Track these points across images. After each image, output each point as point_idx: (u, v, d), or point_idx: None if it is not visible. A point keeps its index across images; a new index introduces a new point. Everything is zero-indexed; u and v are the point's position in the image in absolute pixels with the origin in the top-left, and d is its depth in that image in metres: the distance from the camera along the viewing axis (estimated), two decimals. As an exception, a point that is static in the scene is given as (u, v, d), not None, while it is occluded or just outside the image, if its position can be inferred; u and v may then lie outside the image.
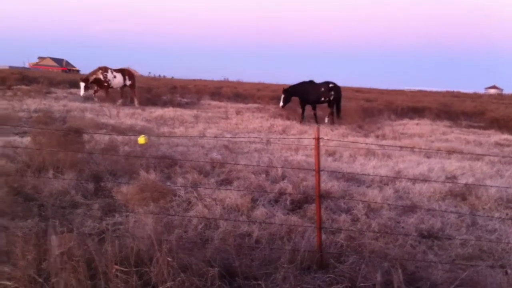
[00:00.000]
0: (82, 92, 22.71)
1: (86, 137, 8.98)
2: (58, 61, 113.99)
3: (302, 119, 19.65)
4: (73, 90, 26.93)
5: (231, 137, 12.63)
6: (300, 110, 20.24)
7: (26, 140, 9.96)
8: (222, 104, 26.31)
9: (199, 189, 7.18)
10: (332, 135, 15.73)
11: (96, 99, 22.91)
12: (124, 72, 24.02)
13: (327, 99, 20.22)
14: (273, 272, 4.49)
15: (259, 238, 5.61)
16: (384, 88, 66.33)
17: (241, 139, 11.67)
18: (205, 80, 59.73)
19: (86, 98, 22.65)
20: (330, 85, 20.38)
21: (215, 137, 12.73)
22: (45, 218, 5.95)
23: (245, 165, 8.65)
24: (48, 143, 7.53)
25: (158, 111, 19.42)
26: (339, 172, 8.80)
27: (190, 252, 4.73)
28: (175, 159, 8.69)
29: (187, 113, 19.54)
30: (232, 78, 75.86)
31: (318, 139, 5.00)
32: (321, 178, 8.43)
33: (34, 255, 4.17)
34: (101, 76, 22.95)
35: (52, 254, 4.14)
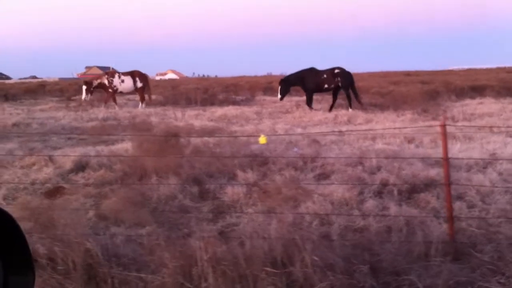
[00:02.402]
0: (83, 96, 21.84)
1: (182, 141, 9.05)
2: (105, 69, 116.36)
3: (311, 108, 19.13)
4: (130, 97, 27.43)
5: (311, 132, 12.52)
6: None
7: (115, 148, 10.17)
8: (277, 98, 26.13)
9: (301, 185, 7.12)
10: (400, 122, 15.41)
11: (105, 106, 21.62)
12: (134, 74, 22.92)
13: (333, 86, 19.28)
14: (416, 266, 4.37)
15: (379, 231, 5.51)
16: (431, 69, 64.57)
17: (329, 132, 11.54)
18: (249, 76, 59.65)
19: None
20: (336, 70, 19.34)
21: (301, 133, 12.66)
22: (161, 224, 6.03)
23: (336, 157, 8.54)
24: (150, 149, 7.65)
25: (219, 111, 19.44)
26: (431, 158, 8.55)
27: (316, 249, 4.66)
28: (265, 156, 8.66)
29: (247, 110, 19.51)
30: (276, 72, 75.43)
31: (444, 126, 4.84)
32: (415, 166, 8.33)
33: (182, 261, 4.20)
34: (106, 81, 22.12)
35: (200, 260, 4.16)
